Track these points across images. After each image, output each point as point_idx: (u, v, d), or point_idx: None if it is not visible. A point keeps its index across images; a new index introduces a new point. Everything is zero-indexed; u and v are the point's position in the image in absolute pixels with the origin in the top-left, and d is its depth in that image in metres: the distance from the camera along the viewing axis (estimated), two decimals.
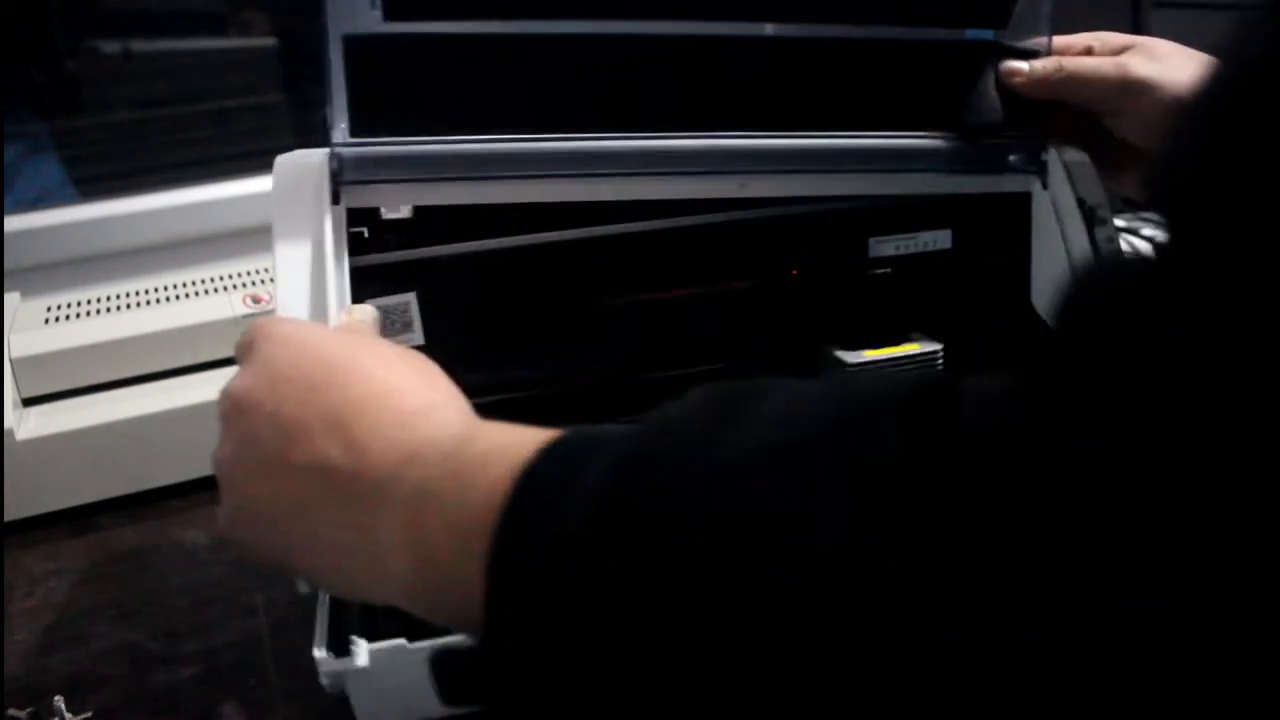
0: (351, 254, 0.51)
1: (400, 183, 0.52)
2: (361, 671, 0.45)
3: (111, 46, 1.33)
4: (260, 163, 1.28)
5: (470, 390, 0.59)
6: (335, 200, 0.50)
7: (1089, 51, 0.59)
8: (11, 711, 0.54)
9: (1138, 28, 0.59)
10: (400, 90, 0.51)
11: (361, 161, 0.51)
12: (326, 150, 0.51)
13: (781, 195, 0.56)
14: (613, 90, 0.54)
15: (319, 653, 0.45)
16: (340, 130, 0.50)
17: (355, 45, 0.48)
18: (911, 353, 0.61)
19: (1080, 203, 0.57)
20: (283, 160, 0.51)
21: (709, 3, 0.52)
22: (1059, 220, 0.58)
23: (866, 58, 0.56)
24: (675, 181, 0.54)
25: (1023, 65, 0.57)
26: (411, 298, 0.54)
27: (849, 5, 0.55)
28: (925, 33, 0.57)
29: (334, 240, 0.50)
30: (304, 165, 0.51)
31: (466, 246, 0.54)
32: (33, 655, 0.60)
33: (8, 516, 0.72)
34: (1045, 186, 0.59)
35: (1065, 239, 0.58)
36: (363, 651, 0.45)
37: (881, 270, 0.61)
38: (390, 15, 0.48)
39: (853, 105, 0.57)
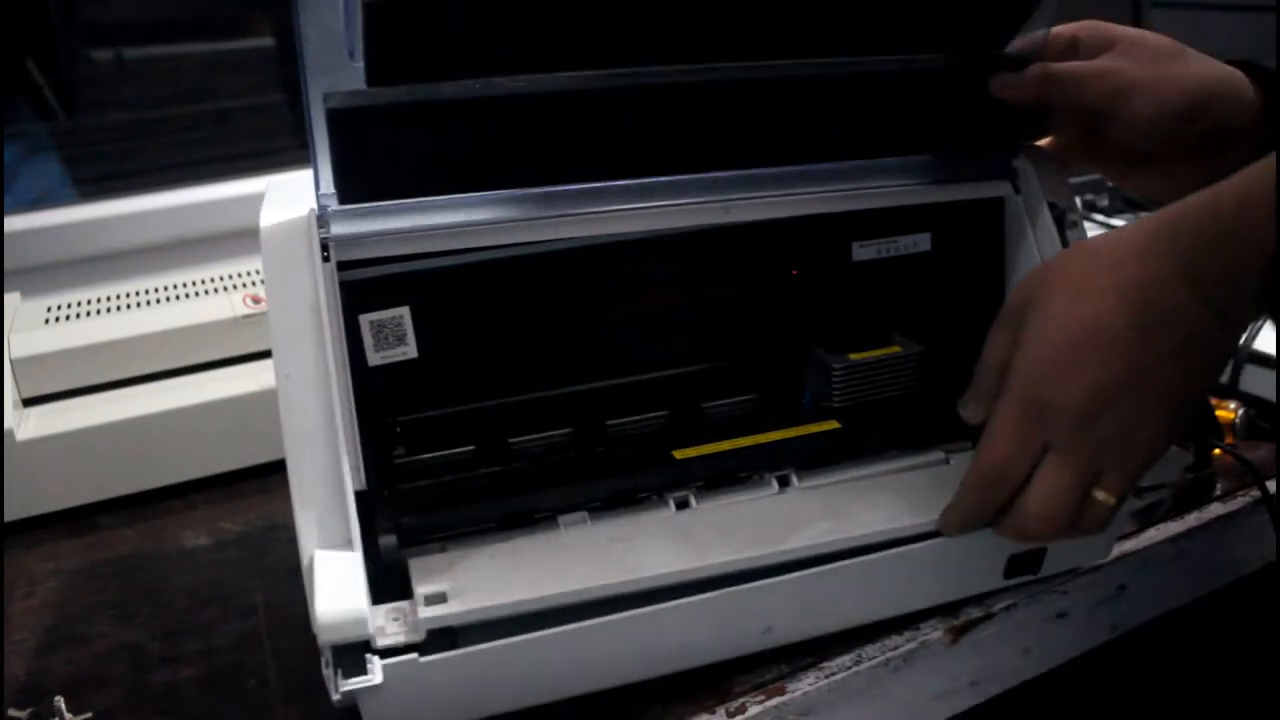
0: (344, 268, 0.51)
1: (388, 237, 0.52)
2: (376, 688, 0.44)
3: (108, 54, 1.33)
4: (260, 163, 1.29)
5: (466, 400, 0.60)
6: (325, 257, 0.50)
7: (1074, 43, 0.58)
8: (11, 712, 0.54)
9: (1137, 27, 0.58)
10: (385, 146, 0.50)
11: (348, 217, 0.51)
12: (311, 210, 0.51)
13: (767, 218, 0.57)
14: (592, 139, 0.54)
15: (328, 671, 0.45)
16: (325, 183, 0.50)
17: (337, 110, 0.48)
18: (895, 354, 0.62)
19: (1051, 206, 0.59)
20: (268, 224, 0.50)
21: (688, 49, 0.52)
22: (1030, 223, 0.60)
23: (849, 85, 0.56)
24: (661, 214, 0.55)
25: (1009, 75, 0.56)
26: (405, 311, 0.54)
27: (845, 40, 0.54)
28: (915, 60, 0.57)
29: (328, 297, 0.50)
30: (291, 226, 0.50)
31: (459, 259, 0.54)
32: (33, 655, 0.60)
33: (8, 516, 0.72)
34: (1017, 191, 0.61)
35: (1037, 241, 0.60)
36: (377, 669, 0.44)
37: (864, 274, 0.62)
38: (374, 80, 0.48)
39: (834, 135, 0.58)
